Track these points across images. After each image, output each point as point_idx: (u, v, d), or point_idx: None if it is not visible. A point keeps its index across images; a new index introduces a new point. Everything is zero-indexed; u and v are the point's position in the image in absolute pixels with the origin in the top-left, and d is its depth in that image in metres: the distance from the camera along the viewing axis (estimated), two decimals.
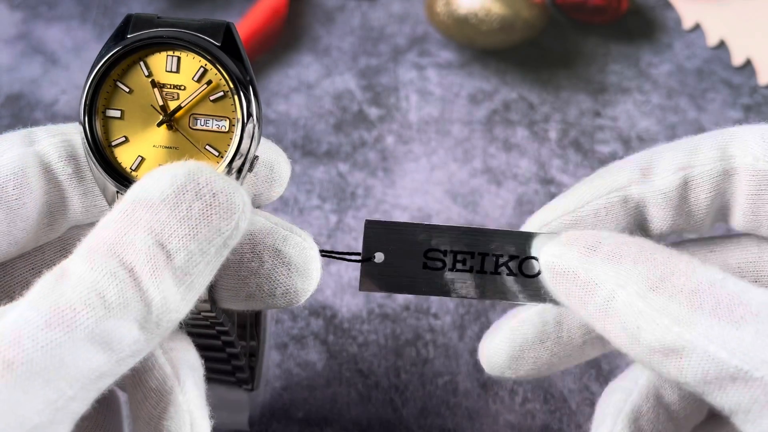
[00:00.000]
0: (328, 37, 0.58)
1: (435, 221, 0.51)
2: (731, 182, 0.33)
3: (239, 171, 0.30)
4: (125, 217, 0.26)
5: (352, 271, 0.49)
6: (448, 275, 0.34)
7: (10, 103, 0.56)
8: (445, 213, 0.51)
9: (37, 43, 0.58)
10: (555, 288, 0.32)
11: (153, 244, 0.26)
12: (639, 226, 0.34)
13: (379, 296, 0.49)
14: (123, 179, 0.30)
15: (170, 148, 0.30)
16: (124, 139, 0.30)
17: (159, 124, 0.30)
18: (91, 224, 0.32)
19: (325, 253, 0.36)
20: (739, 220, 0.33)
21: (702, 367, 0.27)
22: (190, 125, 0.30)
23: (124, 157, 0.30)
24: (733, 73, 0.56)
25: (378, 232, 0.34)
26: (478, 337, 0.48)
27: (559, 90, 0.56)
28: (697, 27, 0.58)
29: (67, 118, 0.55)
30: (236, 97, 0.29)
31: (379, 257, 0.34)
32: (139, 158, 0.30)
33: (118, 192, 0.30)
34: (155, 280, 0.25)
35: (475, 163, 0.53)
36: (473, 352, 0.47)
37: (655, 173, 0.33)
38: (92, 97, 0.30)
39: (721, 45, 0.57)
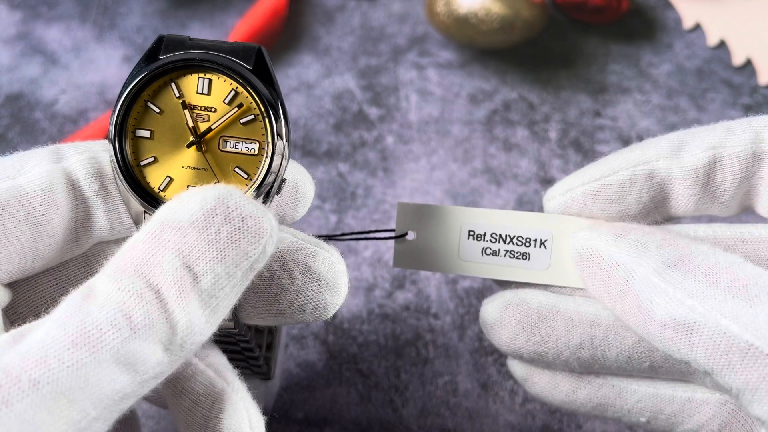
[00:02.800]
0: (328, 37, 0.58)
1: None
2: (760, 166, 0.33)
3: (267, 194, 0.30)
4: (153, 239, 0.26)
5: (352, 271, 0.49)
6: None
7: (9, 103, 0.56)
8: None
9: (37, 43, 0.58)
10: (582, 272, 0.33)
11: (180, 266, 0.26)
12: (661, 204, 0.34)
13: (379, 296, 0.49)
14: (151, 199, 0.30)
15: (199, 169, 0.30)
16: (153, 159, 0.30)
17: (189, 146, 0.30)
18: (116, 241, 0.33)
19: (356, 236, 0.38)
20: (765, 206, 0.33)
21: (713, 341, 0.27)
22: (220, 147, 0.30)
23: (153, 177, 0.30)
24: (733, 73, 0.56)
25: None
26: (479, 337, 0.48)
27: (559, 90, 0.56)
28: (697, 27, 0.58)
29: (66, 118, 0.55)
30: (267, 120, 0.30)
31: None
32: (168, 179, 0.30)
33: (145, 212, 0.30)
34: (181, 302, 0.26)
35: (475, 163, 0.53)
36: (473, 352, 0.47)
37: (685, 150, 0.33)
38: (123, 117, 0.30)
39: (722, 45, 0.57)
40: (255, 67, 0.30)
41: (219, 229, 0.26)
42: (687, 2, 0.59)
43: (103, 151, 0.31)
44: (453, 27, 0.54)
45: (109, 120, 0.54)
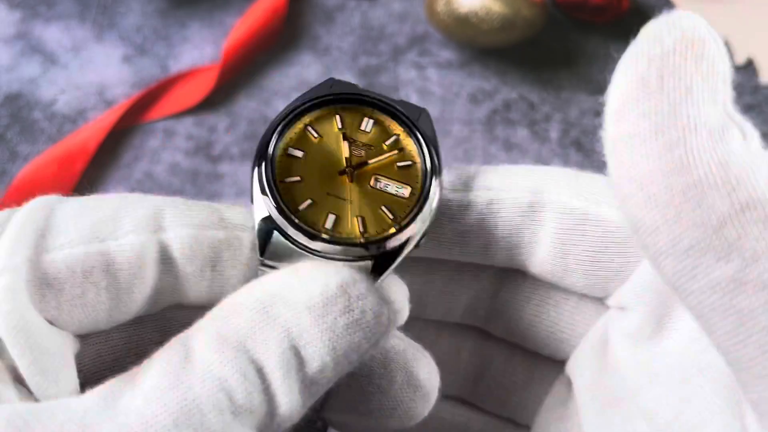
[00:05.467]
0: (328, 36, 0.58)
1: None
2: (537, 217, 0.29)
3: (405, 243, 0.29)
4: (262, 311, 0.25)
5: None
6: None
7: (8, 103, 0.55)
8: None
9: (36, 42, 0.58)
10: None
11: (288, 347, 0.24)
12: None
13: None
14: (289, 214, 0.28)
15: (344, 199, 0.29)
16: (299, 179, 0.29)
17: (341, 173, 0.29)
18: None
19: None
20: (543, 261, 0.30)
21: None
22: (371, 184, 0.29)
23: (295, 196, 0.29)
24: (734, 72, 0.56)
25: None
26: None
27: (559, 90, 0.56)
28: None
29: (65, 118, 0.55)
30: (425, 172, 0.29)
31: None
32: (310, 201, 0.29)
33: (269, 229, 0.28)
34: (286, 387, 0.24)
35: (476, 163, 0.53)
36: None
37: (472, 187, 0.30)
38: (281, 132, 0.29)
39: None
40: (420, 123, 0.30)
41: (336, 319, 0.24)
42: (687, 2, 0.59)
43: (209, 228, 0.29)
44: (453, 26, 0.54)
45: (108, 120, 0.53)
